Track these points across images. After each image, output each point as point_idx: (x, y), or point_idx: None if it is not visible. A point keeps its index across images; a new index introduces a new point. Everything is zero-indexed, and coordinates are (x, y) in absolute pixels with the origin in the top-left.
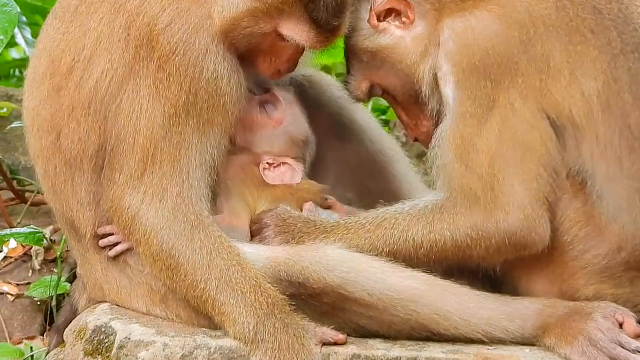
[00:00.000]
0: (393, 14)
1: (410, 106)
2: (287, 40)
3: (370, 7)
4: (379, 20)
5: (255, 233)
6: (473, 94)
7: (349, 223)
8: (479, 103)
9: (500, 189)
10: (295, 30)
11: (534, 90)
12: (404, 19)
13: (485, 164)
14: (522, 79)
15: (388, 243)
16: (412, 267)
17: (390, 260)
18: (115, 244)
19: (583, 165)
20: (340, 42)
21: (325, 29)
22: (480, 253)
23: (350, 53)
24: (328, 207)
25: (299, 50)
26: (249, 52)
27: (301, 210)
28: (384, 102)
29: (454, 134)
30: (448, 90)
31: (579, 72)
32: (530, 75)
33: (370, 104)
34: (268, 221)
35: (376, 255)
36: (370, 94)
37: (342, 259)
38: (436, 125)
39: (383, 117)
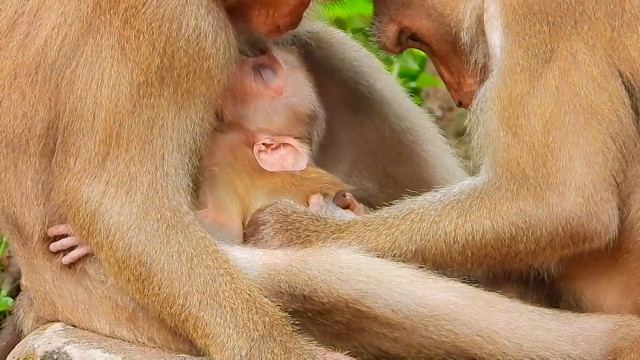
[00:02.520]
0: None
1: (451, 59)
2: None
3: None
4: None
5: (250, 235)
6: (525, 42)
7: (369, 219)
8: (533, 53)
9: (555, 163)
10: None
11: (604, 41)
12: None
13: (538, 131)
14: (589, 26)
15: (414, 240)
16: (446, 271)
17: (419, 264)
18: (71, 248)
19: None
20: None
21: None
22: (529, 247)
23: None
24: (346, 207)
25: (305, 1)
26: (240, 2)
27: (307, 205)
28: (413, 66)
29: (501, 92)
30: (495, 37)
31: None
32: (599, 21)
33: (396, 69)
34: (267, 217)
35: (400, 256)
36: (401, 41)
37: (359, 266)
38: (483, 84)
39: (413, 84)
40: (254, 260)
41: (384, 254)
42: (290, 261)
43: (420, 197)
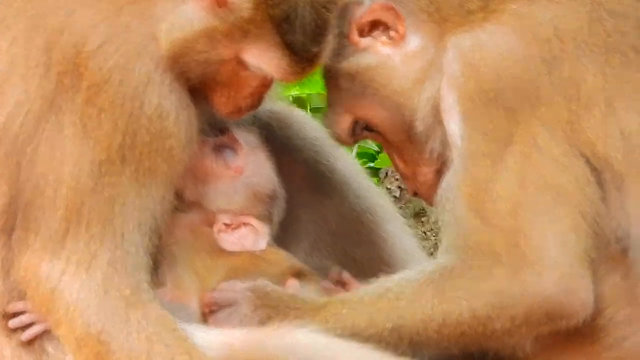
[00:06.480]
0: (380, 28)
1: (406, 148)
2: (252, 70)
3: (350, 20)
4: (361, 35)
5: (214, 305)
6: (484, 127)
7: (345, 297)
8: (492, 138)
9: (528, 243)
10: (262, 58)
11: (562, 124)
12: (392, 33)
13: (506, 215)
14: (546, 109)
15: (391, 318)
16: (423, 349)
17: (395, 342)
18: (30, 325)
19: (626, 229)
20: (318, 70)
21: (302, 56)
22: (505, 325)
23: (327, 79)
24: (341, 284)
25: (267, 83)
26: (202, 83)
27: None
28: (372, 147)
29: (465, 180)
30: (454, 126)
31: (619, 102)
32: (556, 104)
33: (355, 149)
34: (248, 293)
35: (377, 334)
36: (355, 133)
37: (317, 347)
38: (439, 173)
39: (372, 164)
40: (210, 340)
41: (361, 332)
42: (247, 341)
43: (397, 275)
